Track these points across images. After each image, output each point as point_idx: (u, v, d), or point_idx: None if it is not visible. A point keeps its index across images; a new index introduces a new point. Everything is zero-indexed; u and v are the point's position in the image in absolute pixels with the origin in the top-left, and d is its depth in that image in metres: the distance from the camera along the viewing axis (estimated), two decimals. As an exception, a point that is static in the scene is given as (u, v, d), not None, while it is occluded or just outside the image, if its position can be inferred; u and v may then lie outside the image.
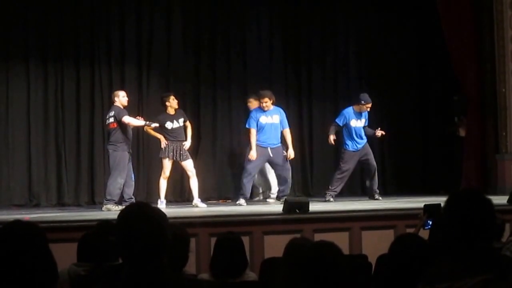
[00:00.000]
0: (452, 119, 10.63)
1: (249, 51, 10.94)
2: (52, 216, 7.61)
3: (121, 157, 8.59)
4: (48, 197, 9.90)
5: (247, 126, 9.27)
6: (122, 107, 8.75)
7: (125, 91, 9.04)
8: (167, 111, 8.99)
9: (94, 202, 9.99)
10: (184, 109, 10.07)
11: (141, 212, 2.44)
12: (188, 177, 9.09)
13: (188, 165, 8.97)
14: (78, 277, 3.65)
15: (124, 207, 2.83)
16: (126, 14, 10.37)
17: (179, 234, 3.76)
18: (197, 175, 9.12)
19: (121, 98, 8.78)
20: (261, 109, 9.18)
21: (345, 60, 11.33)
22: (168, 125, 8.91)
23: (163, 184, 8.91)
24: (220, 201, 10.17)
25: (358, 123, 9.51)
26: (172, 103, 8.97)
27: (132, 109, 9.24)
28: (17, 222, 2.79)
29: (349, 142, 9.51)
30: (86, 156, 10.14)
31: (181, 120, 8.99)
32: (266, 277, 4.43)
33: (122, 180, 8.53)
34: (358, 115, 9.52)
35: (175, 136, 8.93)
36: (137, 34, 10.44)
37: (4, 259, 2.56)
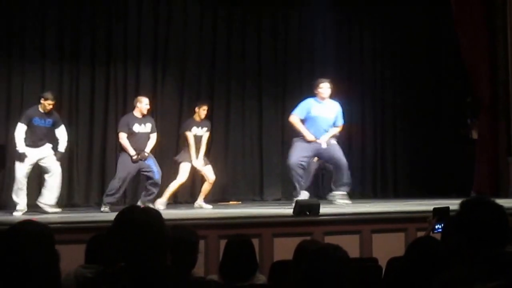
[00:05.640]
0: (464, 121, 10.56)
1: (264, 54, 10.89)
2: (61, 217, 7.59)
3: (121, 161, 8.71)
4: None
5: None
6: (139, 115, 8.77)
7: (147, 97, 8.99)
8: (194, 118, 9.11)
9: (105, 203, 9.99)
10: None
11: (136, 214, 2.44)
12: (204, 181, 9.14)
13: (208, 170, 9.05)
14: (84, 280, 3.61)
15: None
16: (143, 12, 10.36)
17: (187, 236, 3.73)
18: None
19: (143, 105, 8.79)
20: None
21: (359, 61, 11.28)
22: (193, 130, 9.01)
23: (173, 187, 8.93)
24: (231, 202, 10.14)
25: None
26: (201, 113, 9.08)
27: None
28: (27, 222, 2.77)
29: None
30: (98, 157, 10.13)
31: (204, 129, 9.08)
32: (276, 280, 4.39)
33: (116, 180, 8.60)
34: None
35: (196, 142, 9.00)
36: (154, 33, 10.42)
37: (11, 259, 2.55)
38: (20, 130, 8.28)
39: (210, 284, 2.65)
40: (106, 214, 7.97)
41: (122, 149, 8.75)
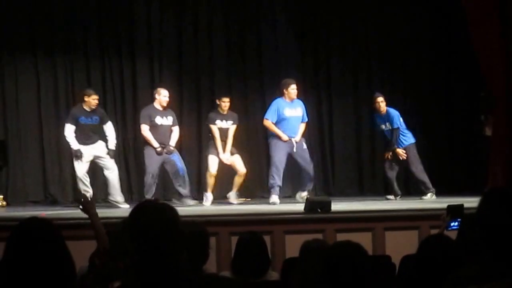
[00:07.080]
0: (478, 117, 10.46)
1: (264, 45, 10.74)
2: (70, 213, 7.59)
3: (147, 155, 8.73)
4: (64, 194, 9.89)
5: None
6: (160, 108, 8.78)
7: (167, 89, 8.95)
8: (218, 110, 9.11)
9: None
10: (198, 103, 10.12)
11: (153, 210, 2.44)
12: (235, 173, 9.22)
13: (237, 162, 9.12)
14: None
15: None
16: (135, 2, 10.26)
17: (197, 231, 3.71)
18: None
19: (162, 97, 8.80)
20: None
21: (366, 55, 11.14)
22: (218, 123, 9.05)
23: (209, 180, 9.04)
24: (240, 199, 10.08)
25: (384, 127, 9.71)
26: (222, 105, 9.06)
27: (145, 101, 9.15)
28: (33, 219, 2.79)
29: None
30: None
31: (230, 122, 9.12)
32: (288, 277, 4.36)
33: (148, 176, 8.65)
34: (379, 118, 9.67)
35: (221, 135, 9.04)
36: (147, 23, 10.29)
37: (21, 256, 2.56)
38: (69, 130, 8.57)
39: (222, 279, 2.63)
40: (112, 211, 7.92)
41: (145, 142, 8.76)
